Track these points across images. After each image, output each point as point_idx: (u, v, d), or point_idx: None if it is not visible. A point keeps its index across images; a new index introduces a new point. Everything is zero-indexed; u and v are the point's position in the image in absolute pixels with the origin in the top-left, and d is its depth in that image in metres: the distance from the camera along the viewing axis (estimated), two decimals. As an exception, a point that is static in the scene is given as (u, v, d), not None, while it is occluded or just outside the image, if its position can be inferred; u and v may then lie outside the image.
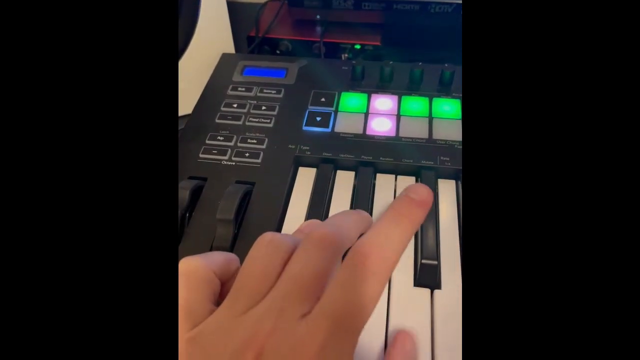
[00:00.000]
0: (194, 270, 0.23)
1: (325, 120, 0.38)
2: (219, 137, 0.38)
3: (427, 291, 0.28)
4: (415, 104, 0.39)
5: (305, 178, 0.36)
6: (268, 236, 0.23)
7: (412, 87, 0.41)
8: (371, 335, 0.26)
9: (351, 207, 0.33)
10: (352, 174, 0.36)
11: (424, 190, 0.23)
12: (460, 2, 0.50)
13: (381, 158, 0.35)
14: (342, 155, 0.36)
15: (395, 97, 0.40)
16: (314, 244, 0.21)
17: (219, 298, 0.24)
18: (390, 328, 0.26)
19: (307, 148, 0.36)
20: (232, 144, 0.37)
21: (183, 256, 0.29)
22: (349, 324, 0.19)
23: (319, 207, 0.33)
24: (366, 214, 0.27)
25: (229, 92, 0.42)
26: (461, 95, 0.40)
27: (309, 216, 0.32)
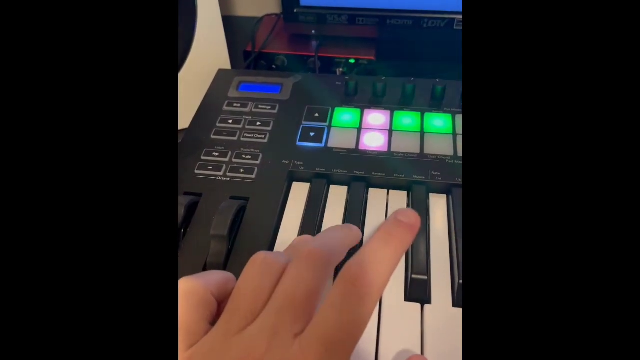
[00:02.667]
0: (192, 291, 0.23)
1: (319, 135, 0.39)
2: (214, 153, 0.38)
3: (417, 306, 0.28)
4: (407, 119, 0.40)
5: (299, 193, 0.36)
6: (261, 255, 0.24)
7: (404, 102, 0.42)
8: (362, 352, 0.26)
9: (344, 222, 0.34)
10: (345, 188, 0.36)
11: (412, 214, 0.24)
12: (452, 17, 0.51)
13: (373, 173, 0.36)
14: (335, 171, 0.36)
15: (388, 112, 0.41)
16: (304, 261, 0.22)
17: (216, 317, 0.24)
18: (381, 343, 0.27)
19: (301, 163, 0.37)
20: (227, 159, 0.38)
21: (178, 271, 0.30)
22: (341, 345, 0.19)
23: (312, 221, 0.33)
24: (356, 228, 0.27)
25: (225, 107, 0.43)
26: (452, 109, 0.41)
27: (302, 231, 0.33)
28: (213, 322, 0.24)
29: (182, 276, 0.24)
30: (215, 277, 0.25)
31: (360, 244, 0.32)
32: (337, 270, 0.28)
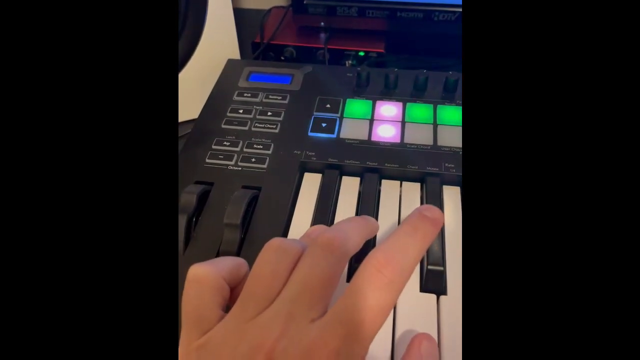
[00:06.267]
0: (203, 277, 0.23)
1: (331, 126, 0.39)
2: (225, 142, 0.38)
3: (433, 297, 0.28)
4: (420, 111, 0.40)
5: (311, 183, 0.36)
6: (276, 242, 0.23)
7: (416, 94, 0.41)
8: (378, 342, 0.26)
9: (356, 213, 0.33)
10: (357, 179, 0.36)
11: (436, 210, 0.24)
12: (464, 10, 0.50)
13: (386, 164, 0.35)
14: (347, 161, 0.36)
15: (400, 104, 0.40)
16: (320, 248, 0.22)
17: (229, 303, 0.24)
18: (397, 334, 0.26)
19: (313, 154, 0.37)
20: (238, 149, 0.38)
21: (190, 260, 0.30)
22: (364, 331, 0.19)
23: (324, 212, 0.33)
24: (373, 220, 0.27)
25: (235, 97, 0.42)
26: (465, 102, 0.40)
27: (314, 221, 0.33)
28: (226, 308, 0.23)
29: (194, 265, 0.23)
30: (227, 263, 0.24)
31: (375, 238, 0.31)
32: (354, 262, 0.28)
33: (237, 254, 0.31)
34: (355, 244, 0.24)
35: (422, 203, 0.34)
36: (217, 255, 0.31)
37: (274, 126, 0.39)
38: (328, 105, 0.41)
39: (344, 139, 0.38)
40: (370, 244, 0.30)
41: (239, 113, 0.41)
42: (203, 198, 0.34)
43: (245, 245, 0.31)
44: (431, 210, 0.24)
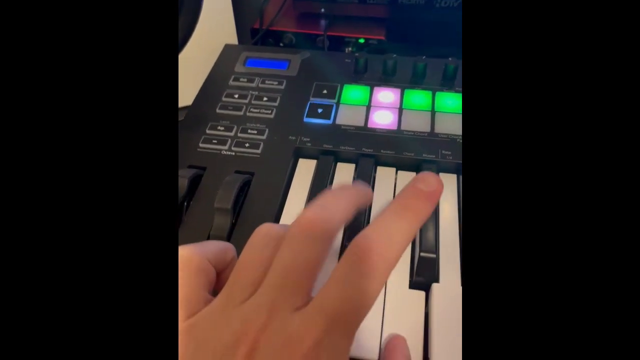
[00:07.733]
0: (188, 259, 0.22)
1: (327, 112, 0.38)
2: (219, 127, 0.37)
3: (422, 293, 0.27)
4: (418, 98, 0.39)
5: (305, 169, 0.35)
6: (265, 227, 0.23)
7: (415, 80, 0.41)
8: (367, 339, 0.26)
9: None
10: (352, 166, 0.35)
11: (433, 180, 0.21)
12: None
13: (382, 151, 0.35)
14: (342, 147, 0.35)
15: (398, 91, 0.40)
16: (300, 232, 0.20)
17: (216, 287, 0.24)
18: (385, 325, 0.26)
19: (308, 139, 0.36)
20: (232, 134, 0.37)
21: (181, 244, 0.29)
22: (346, 322, 0.19)
23: (318, 198, 0.32)
24: (365, 188, 0.25)
25: (231, 82, 0.42)
26: (465, 89, 0.40)
27: (307, 207, 0.32)
28: (212, 291, 0.23)
29: (179, 246, 0.23)
30: (211, 246, 0.24)
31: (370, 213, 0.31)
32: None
33: (228, 239, 0.30)
34: (340, 220, 0.22)
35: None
36: (208, 239, 0.30)
37: (269, 111, 0.39)
38: (325, 91, 0.40)
39: (339, 125, 0.37)
40: (363, 223, 0.30)
41: (235, 98, 0.40)
42: (195, 182, 0.34)
43: (237, 231, 0.31)
44: (427, 181, 0.21)
